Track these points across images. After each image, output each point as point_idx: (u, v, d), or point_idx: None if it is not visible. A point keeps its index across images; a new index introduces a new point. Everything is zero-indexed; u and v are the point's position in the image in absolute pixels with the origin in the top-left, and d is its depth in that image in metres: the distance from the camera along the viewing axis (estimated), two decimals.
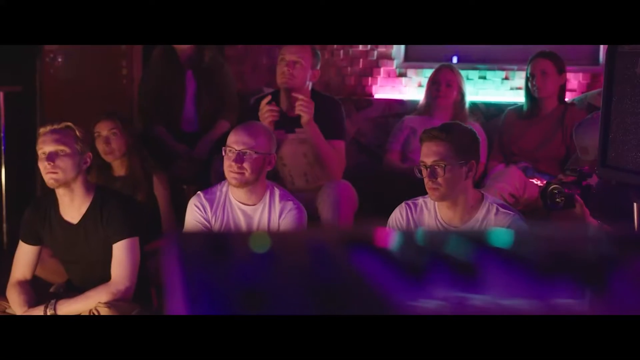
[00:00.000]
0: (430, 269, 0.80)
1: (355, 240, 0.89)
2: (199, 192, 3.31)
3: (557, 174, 3.74)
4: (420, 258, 0.83)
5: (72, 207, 3.16)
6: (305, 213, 3.26)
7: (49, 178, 3.08)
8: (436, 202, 3.01)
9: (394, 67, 5.16)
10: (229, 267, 0.80)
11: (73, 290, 3.24)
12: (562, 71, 4.32)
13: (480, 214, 2.97)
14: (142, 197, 3.87)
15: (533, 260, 0.82)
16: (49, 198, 3.22)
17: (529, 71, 4.34)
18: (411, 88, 5.12)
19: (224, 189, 3.27)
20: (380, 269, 0.80)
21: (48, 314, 3.03)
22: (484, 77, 5.02)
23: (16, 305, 3.12)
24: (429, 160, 2.93)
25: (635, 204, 2.30)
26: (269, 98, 3.79)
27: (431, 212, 3.04)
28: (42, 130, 3.12)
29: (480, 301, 0.73)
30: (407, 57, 5.18)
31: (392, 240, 0.90)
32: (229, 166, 3.16)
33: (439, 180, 2.91)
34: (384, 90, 5.17)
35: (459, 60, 4.97)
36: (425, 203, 3.07)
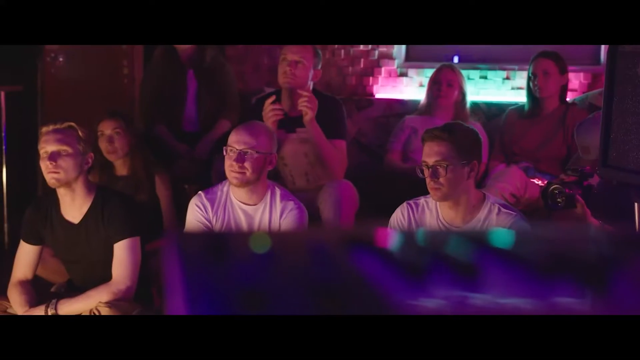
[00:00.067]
0: (431, 269, 0.80)
1: (356, 240, 0.88)
2: (200, 191, 3.31)
3: (558, 174, 3.74)
4: (420, 258, 0.83)
5: (73, 206, 3.17)
6: (306, 213, 3.26)
7: (50, 178, 3.08)
8: (438, 202, 3.01)
9: (395, 66, 5.16)
10: (229, 267, 0.79)
11: (74, 290, 3.24)
12: (564, 71, 4.32)
13: (482, 214, 2.97)
14: (144, 196, 3.87)
15: (534, 260, 0.82)
16: (50, 198, 3.22)
17: (530, 71, 4.34)
18: (412, 88, 5.12)
19: (225, 188, 3.27)
20: (381, 269, 0.80)
21: (49, 313, 3.03)
22: (485, 77, 5.02)
23: (17, 305, 3.12)
24: (431, 160, 2.93)
25: (636, 204, 2.30)
26: (273, 98, 3.79)
27: (433, 212, 3.04)
28: (44, 129, 3.12)
29: (481, 301, 0.73)
30: (408, 57, 5.17)
31: (393, 241, 0.90)
32: (230, 166, 3.16)
33: (441, 180, 2.91)
34: (385, 90, 5.16)
35: (460, 60, 4.97)
36: (427, 203, 3.07)
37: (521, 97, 4.60)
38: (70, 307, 3.05)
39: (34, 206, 3.27)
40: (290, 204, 3.22)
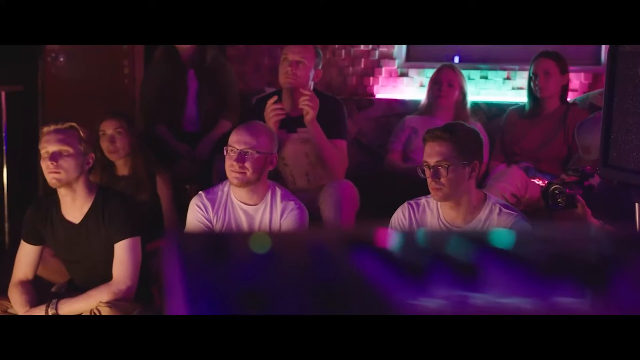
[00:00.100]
0: (432, 269, 0.80)
1: (356, 240, 0.88)
2: (200, 191, 3.31)
3: (559, 174, 3.74)
4: (421, 258, 0.83)
5: (74, 206, 3.17)
6: (306, 213, 3.26)
7: (51, 178, 3.08)
8: (439, 202, 3.01)
9: (396, 67, 5.16)
10: (230, 267, 0.79)
11: (75, 289, 3.24)
12: (565, 71, 4.32)
13: (483, 214, 2.97)
14: (145, 196, 3.87)
15: (535, 260, 0.82)
16: (51, 198, 3.22)
17: (531, 71, 4.34)
18: (413, 88, 5.12)
19: (226, 188, 3.27)
20: (381, 269, 0.80)
21: (50, 313, 3.03)
22: (486, 77, 5.02)
23: (18, 305, 3.12)
24: (432, 161, 2.93)
25: (637, 204, 2.30)
26: (275, 98, 3.79)
27: (434, 212, 3.04)
28: (45, 129, 3.11)
29: (482, 301, 0.73)
30: (409, 57, 5.17)
31: (393, 241, 0.90)
32: (230, 166, 3.16)
33: (442, 180, 2.91)
34: (385, 90, 5.16)
35: (460, 60, 4.97)
36: (428, 203, 3.07)
37: (522, 97, 4.60)
38: (71, 307, 3.05)
39: (34, 206, 3.27)
40: (291, 204, 3.22)
